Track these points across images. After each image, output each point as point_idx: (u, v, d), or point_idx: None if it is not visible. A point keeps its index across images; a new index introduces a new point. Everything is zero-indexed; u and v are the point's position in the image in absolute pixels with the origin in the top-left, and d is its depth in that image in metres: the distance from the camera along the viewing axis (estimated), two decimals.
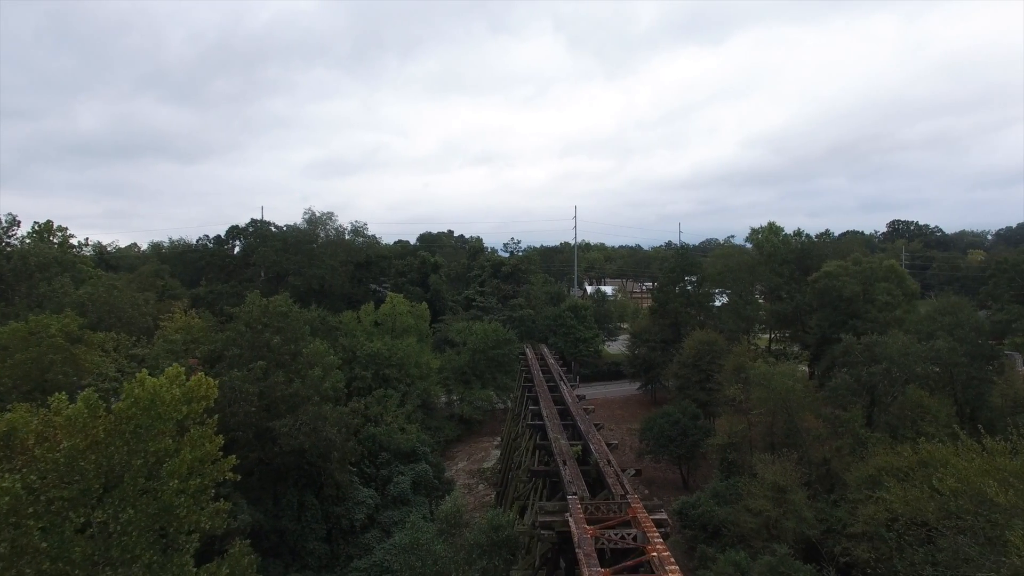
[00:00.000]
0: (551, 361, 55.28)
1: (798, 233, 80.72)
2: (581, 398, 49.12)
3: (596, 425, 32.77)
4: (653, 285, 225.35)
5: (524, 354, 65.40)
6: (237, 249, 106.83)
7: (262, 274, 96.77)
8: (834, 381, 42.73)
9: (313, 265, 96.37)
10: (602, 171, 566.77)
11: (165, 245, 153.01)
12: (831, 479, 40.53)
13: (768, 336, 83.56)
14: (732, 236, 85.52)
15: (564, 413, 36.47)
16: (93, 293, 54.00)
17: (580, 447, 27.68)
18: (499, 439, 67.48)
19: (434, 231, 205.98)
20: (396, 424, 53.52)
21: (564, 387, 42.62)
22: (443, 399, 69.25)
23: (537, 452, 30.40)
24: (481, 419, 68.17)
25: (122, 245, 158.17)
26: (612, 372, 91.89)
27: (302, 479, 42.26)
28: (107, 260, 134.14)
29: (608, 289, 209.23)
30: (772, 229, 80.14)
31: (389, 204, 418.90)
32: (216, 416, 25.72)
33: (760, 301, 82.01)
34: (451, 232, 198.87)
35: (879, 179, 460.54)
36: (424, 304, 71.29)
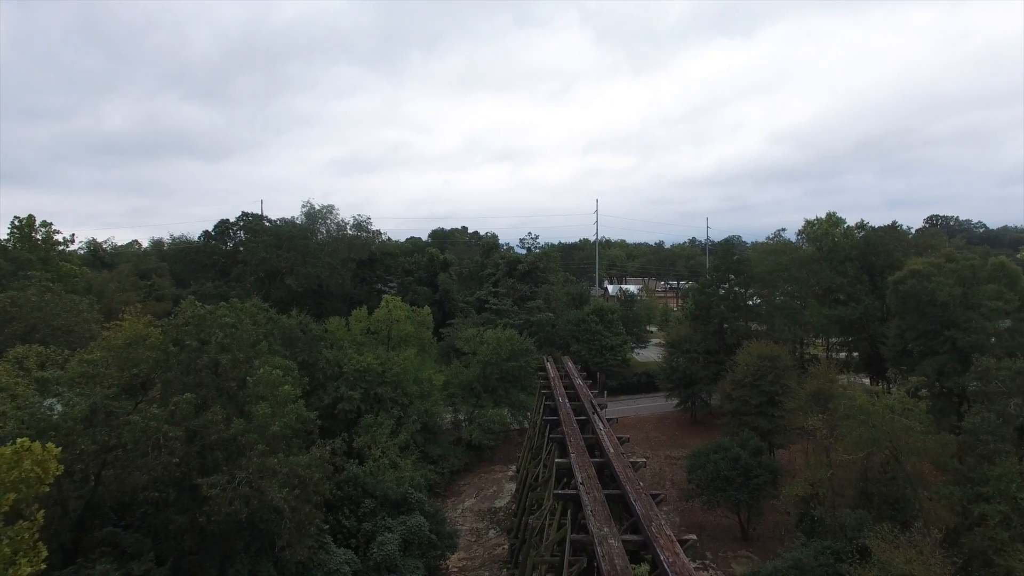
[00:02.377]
0: (579, 382, 44.83)
1: (861, 225, 69.39)
2: (612, 422, 38.96)
3: (654, 496, 22.28)
4: (678, 284, 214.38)
5: (544, 369, 55.17)
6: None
7: (253, 273, 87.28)
8: (971, 420, 31.76)
9: (308, 263, 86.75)
10: (624, 168, 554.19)
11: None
12: (965, 558, 29.70)
13: (825, 345, 72.24)
14: (783, 229, 74.45)
15: (603, 469, 26.11)
16: (18, 297, 44.50)
17: (646, 564, 17.17)
18: (514, 468, 57.31)
19: (448, 227, 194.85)
20: (386, 459, 43.49)
21: (600, 425, 32.20)
22: (448, 419, 59.16)
23: (571, 551, 20.01)
24: (493, 444, 57.93)
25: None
26: (643, 384, 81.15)
27: (256, 541, 32.31)
28: (101, 258, 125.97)
29: (631, 288, 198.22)
30: (832, 220, 68.76)
31: (408, 202, 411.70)
32: (42, 511, 15.70)
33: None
34: (465, 228, 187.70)
35: (906, 175, 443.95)
36: (427, 309, 61.07)
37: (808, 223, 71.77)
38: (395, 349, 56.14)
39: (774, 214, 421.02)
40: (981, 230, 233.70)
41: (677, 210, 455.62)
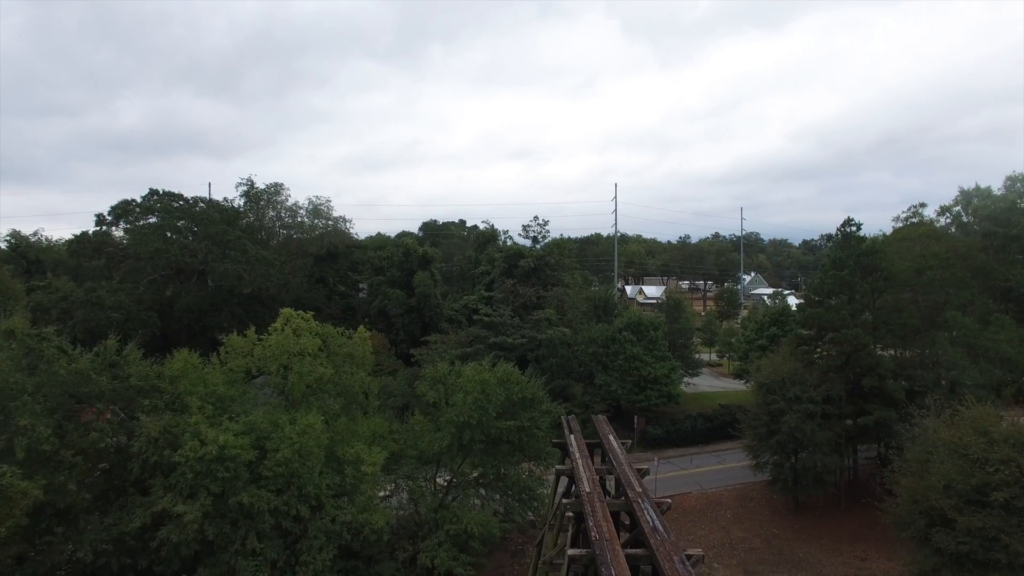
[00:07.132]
0: (652, 516, 19.74)
1: None
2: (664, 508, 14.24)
3: None
4: (705, 284, 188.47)
5: (564, 446, 30.20)
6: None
7: (151, 271, 62.65)
8: None
9: (227, 257, 62.17)
10: (640, 166, 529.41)
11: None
12: None
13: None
14: (923, 204, 48.75)
15: None
16: None
17: None
18: None
19: (442, 221, 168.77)
20: None
21: None
22: (393, 519, 34.24)
23: None
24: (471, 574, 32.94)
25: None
26: (699, 431, 56.29)
27: None
28: (24, 254, 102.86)
29: (650, 290, 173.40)
30: (1018, 186, 43.45)
31: (421, 200, 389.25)
32: None
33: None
34: (462, 222, 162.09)
35: (925, 172, 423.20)
36: (362, 331, 35.83)
37: (963, 193, 46.51)
38: (297, 407, 31.42)
39: (787, 212, 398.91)
40: None
41: (690, 208, 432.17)
